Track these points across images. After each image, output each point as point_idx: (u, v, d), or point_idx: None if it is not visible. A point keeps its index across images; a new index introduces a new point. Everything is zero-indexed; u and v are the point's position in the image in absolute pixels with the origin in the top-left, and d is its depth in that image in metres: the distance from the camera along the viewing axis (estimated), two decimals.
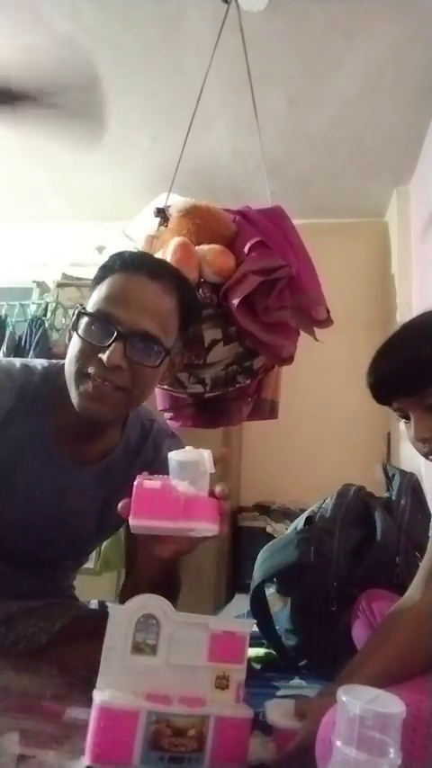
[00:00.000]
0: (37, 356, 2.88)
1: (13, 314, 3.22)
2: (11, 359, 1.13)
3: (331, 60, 2.51)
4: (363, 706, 0.52)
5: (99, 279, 0.97)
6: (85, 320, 0.92)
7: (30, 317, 3.18)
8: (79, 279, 3.34)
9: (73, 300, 3.27)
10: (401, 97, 2.66)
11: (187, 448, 0.80)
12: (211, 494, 0.80)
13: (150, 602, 0.71)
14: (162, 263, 1.11)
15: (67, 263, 3.52)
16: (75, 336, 0.94)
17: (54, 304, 3.19)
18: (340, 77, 2.58)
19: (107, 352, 0.89)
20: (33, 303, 3.29)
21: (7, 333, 3.16)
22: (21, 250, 3.81)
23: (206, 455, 0.79)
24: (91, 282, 0.99)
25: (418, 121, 2.79)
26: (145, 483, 0.77)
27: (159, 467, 0.96)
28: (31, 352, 3.02)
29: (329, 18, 2.30)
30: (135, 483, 0.77)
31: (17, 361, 1.05)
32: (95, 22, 2.40)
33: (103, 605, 1.41)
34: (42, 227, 3.82)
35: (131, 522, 0.75)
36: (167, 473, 1.10)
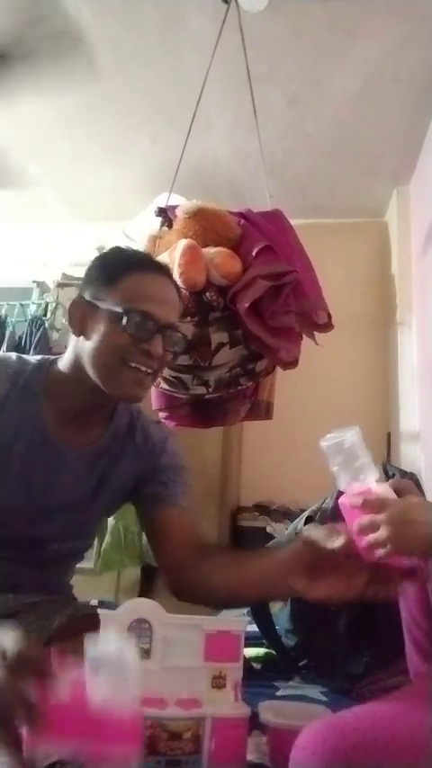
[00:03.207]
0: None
1: (13, 314, 3.22)
2: (8, 353, 1.20)
3: (331, 60, 2.51)
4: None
5: (114, 275, 1.05)
6: (129, 317, 1.00)
7: (30, 317, 3.18)
8: (79, 279, 3.32)
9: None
10: (401, 97, 2.66)
11: (110, 636, 0.66)
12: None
13: (142, 607, 0.71)
14: (163, 263, 1.23)
15: (67, 263, 3.51)
16: (106, 329, 1.02)
17: (54, 304, 3.19)
18: (340, 77, 2.58)
19: (153, 344, 1.01)
20: (33, 303, 3.29)
21: (7, 333, 3.16)
22: (21, 250, 3.81)
23: (127, 651, 0.62)
24: (97, 275, 1.07)
25: (418, 121, 2.78)
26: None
27: (150, 452, 1.15)
28: (32, 351, 3.02)
29: (329, 18, 2.30)
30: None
31: (13, 354, 1.15)
32: (95, 22, 2.40)
33: (102, 605, 1.41)
34: (42, 227, 3.82)
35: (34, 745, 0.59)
36: (157, 459, 1.16)
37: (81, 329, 1.05)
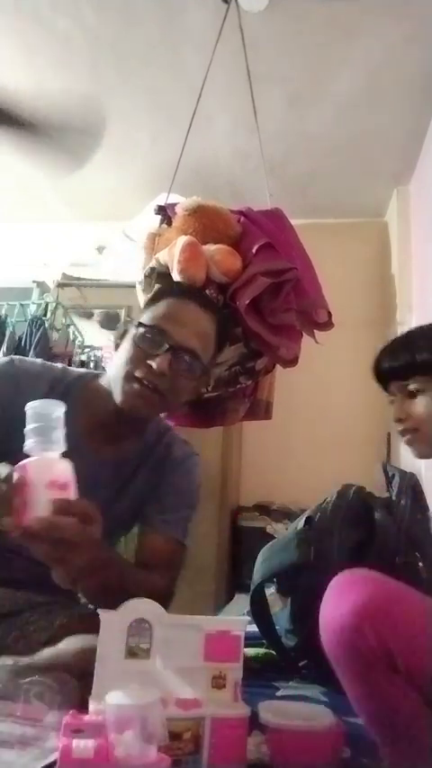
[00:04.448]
0: (37, 356, 2.87)
1: (13, 314, 3.21)
2: (53, 363, 1.26)
3: (331, 60, 2.51)
4: None
5: (154, 299, 1.16)
6: (141, 330, 1.08)
7: (30, 317, 3.17)
8: (79, 279, 3.33)
9: (73, 300, 3.26)
10: (401, 97, 2.66)
11: (135, 686, 0.64)
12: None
13: (142, 607, 0.71)
14: (208, 296, 1.33)
15: (67, 263, 3.52)
16: (127, 344, 1.10)
17: (54, 304, 3.19)
18: (340, 77, 2.59)
19: (157, 360, 1.05)
20: (33, 303, 3.28)
21: (7, 333, 3.15)
22: (21, 250, 3.81)
23: (152, 706, 0.60)
24: (146, 299, 1.20)
25: (418, 121, 2.79)
26: (74, 745, 0.58)
27: (167, 467, 1.19)
28: (31, 352, 3.01)
29: (329, 18, 2.30)
30: (61, 745, 0.58)
31: (58, 364, 1.23)
32: (96, 22, 2.40)
33: None
34: (42, 227, 3.82)
35: None
36: (168, 474, 1.20)
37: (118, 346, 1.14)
